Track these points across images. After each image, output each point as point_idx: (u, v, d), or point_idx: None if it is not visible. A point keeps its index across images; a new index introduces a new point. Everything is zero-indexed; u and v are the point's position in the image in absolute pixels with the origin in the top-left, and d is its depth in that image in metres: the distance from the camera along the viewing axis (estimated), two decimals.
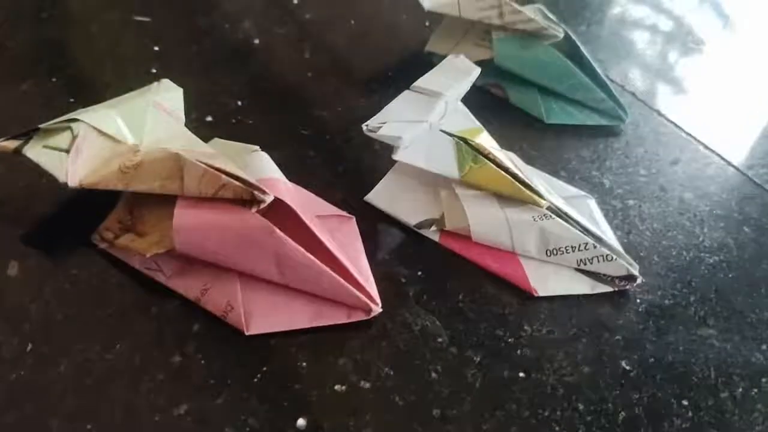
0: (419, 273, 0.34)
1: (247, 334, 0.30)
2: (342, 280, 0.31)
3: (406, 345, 0.31)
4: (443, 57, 0.47)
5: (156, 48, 0.47)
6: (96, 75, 0.44)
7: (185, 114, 0.37)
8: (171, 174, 0.31)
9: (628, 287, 0.35)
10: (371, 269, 0.33)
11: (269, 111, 0.43)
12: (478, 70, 0.40)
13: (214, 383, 0.29)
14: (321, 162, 0.40)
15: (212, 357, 0.30)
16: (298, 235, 0.31)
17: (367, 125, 0.34)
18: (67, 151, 0.31)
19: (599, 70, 0.46)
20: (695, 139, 0.45)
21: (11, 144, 0.31)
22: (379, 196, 0.38)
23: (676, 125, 0.46)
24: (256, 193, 0.30)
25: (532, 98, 0.46)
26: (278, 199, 0.31)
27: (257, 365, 0.30)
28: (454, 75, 0.39)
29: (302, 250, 0.30)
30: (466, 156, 0.36)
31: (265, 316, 0.30)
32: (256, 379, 0.29)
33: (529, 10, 0.46)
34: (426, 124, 0.35)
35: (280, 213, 0.31)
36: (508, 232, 0.35)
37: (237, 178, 0.31)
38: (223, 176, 0.30)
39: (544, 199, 0.35)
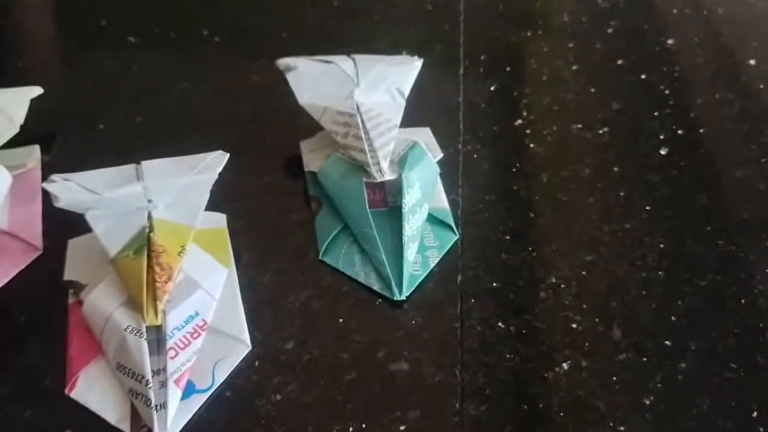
0: (22, 318, 0.37)
1: None
2: None
3: None
4: (305, 155, 0.46)
5: None
6: None
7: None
8: None
9: None
10: None
11: (107, 144, 0.47)
12: (213, 175, 0.39)
13: None
14: None
15: None
16: None
17: (53, 176, 0.38)
18: None
19: (410, 233, 0.40)
20: None
21: None
22: (77, 244, 0.40)
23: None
24: None
25: (329, 228, 0.42)
26: None
27: None
28: (186, 168, 0.39)
29: None
30: (136, 244, 0.37)
31: None
32: None
33: (382, 141, 0.42)
34: (98, 197, 0.37)
35: None
36: (102, 325, 0.35)
37: None
38: None
39: (156, 318, 0.35)
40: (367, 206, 0.40)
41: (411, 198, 0.41)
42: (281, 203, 0.45)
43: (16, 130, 0.44)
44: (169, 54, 0.56)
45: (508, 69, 0.56)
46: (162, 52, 0.56)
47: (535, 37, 0.59)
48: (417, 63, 0.48)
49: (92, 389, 0.34)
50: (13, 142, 0.45)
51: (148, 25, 0.59)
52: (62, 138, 0.48)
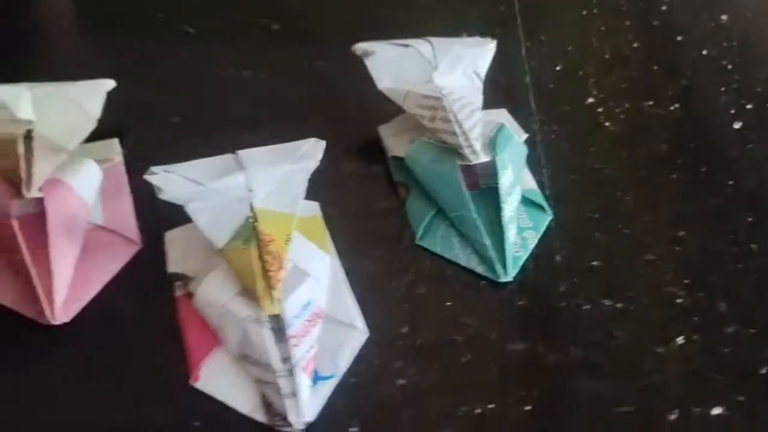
0: (132, 312, 0.37)
1: None
2: (36, 282, 0.35)
3: (56, 366, 0.35)
4: (387, 140, 0.46)
5: None
6: None
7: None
8: (4, 149, 0.39)
9: (281, 427, 0.32)
10: (100, 292, 0.37)
11: (184, 135, 0.47)
12: (315, 162, 0.39)
13: None
14: None
15: None
16: (43, 232, 0.37)
17: (153, 168, 0.37)
18: None
19: (509, 215, 0.40)
20: None
21: None
22: (174, 237, 0.40)
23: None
24: (21, 185, 0.36)
25: (422, 213, 0.42)
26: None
27: None
28: (286, 157, 0.38)
29: (21, 242, 0.36)
30: (243, 234, 0.36)
31: None
32: None
33: (470, 123, 0.41)
34: (203, 188, 0.37)
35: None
36: (218, 316, 0.35)
37: (29, 170, 0.37)
38: (22, 164, 0.37)
39: (274, 307, 0.34)
40: (465, 189, 0.40)
41: (506, 179, 0.41)
42: (366, 189, 0.45)
43: (93, 124, 0.43)
44: (228, 43, 0.55)
45: (569, 48, 0.56)
46: (220, 41, 0.55)
47: (591, 16, 0.59)
48: (491, 45, 0.47)
49: (217, 380, 0.34)
50: (90, 136, 0.44)
51: (202, 15, 0.58)
52: (137, 131, 0.47)
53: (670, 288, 0.39)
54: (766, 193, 0.44)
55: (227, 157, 0.39)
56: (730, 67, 0.54)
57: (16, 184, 0.37)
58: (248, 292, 0.35)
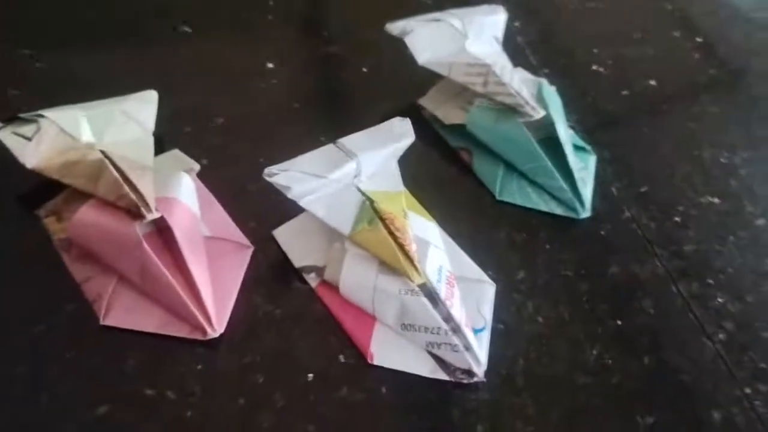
0: (277, 311, 0.38)
1: (101, 323, 0.36)
2: (186, 300, 0.35)
3: (232, 375, 0.35)
4: (429, 112, 0.49)
5: None
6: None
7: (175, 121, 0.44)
8: (92, 175, 0.37)
9: (465, 381, 0.36)
10: (237, 298, 0.38)
11: (237, 135, 0.47)
12: (411, 138, 0.41)
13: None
14: (257, 191, 0.43)
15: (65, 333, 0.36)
16: (172, 250, 0.36)
17: (269, 169, 0.38)
18: (30, 139, 0.39)
19: (572, 159, 0.45)
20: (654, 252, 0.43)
21: None
22: (284, 233, 0.41)
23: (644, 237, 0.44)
24: (142, 208, 0.35)
25: (493, 171, 0.46)
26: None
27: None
28: (383, 138, 0.41)
29: (159, 264, 0.35)
30: (365, 216, 0.38)
31: (123, 313, 0.36)
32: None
33: (517, 83, 0.46)
34: (325, 180, 0.38)
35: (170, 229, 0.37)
36: (370, 297, 0.37)
37: (136, 191, 0.36)
38: (125, 187, 0.36)
39: (420, 276, 0.37)
40: (535, 143, 0.44)
41: (560, 128, 0.45)
42: (428, 160, 0.47)
43: (151, 137, 0.42)
44: (233, 38, 0.54)
45: (542, 6, 0.61)
46: (222, 37, 0.55)
47: None
48: (502, 11, 0.51)
49: (389, 353, 0.36)
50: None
51: (193, 15, 0.56)
52: (186, 137, 0.46)
53: (708, 198, 0.47)
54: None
55: (329, 148, 0.40)
56: (670, 7, 0.63)
57: (128, 208, 0.36)
58: (388, 268, 0.37)
